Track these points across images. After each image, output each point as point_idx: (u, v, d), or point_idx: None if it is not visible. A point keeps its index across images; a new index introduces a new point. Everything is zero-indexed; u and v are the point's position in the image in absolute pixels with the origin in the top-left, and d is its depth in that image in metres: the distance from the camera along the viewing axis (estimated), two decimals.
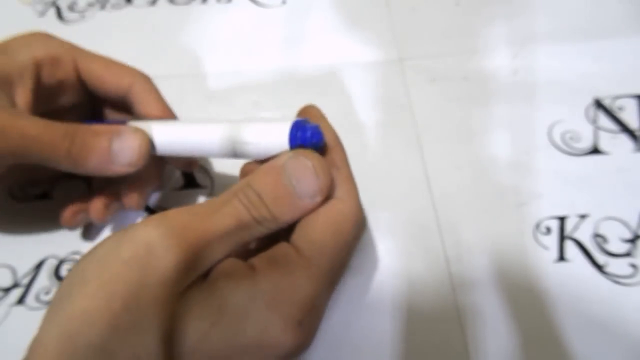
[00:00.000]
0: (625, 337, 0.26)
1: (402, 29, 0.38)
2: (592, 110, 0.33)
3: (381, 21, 0.39)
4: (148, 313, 0.17)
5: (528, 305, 0.27)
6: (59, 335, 0.17)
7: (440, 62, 0.36)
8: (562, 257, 0.28)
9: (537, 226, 0.29)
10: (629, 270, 0.28)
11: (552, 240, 0.29)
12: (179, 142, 0.24)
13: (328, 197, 0.22)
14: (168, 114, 0.27)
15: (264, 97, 0.35)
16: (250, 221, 0.20)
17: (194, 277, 0.19)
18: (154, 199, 0.31)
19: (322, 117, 0.24)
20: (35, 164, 0.23)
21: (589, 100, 0.34)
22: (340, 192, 0.22)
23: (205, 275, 0.20)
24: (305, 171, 0.20)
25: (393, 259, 0.28)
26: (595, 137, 0.32)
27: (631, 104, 0.34)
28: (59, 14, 0.40)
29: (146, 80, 0.27)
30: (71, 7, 0.40)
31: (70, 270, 0.19)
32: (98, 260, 0.18)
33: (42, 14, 0.40)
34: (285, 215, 0.20)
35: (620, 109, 0.33)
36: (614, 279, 0.27)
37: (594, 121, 0.33)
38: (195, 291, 0.19)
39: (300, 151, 0.21)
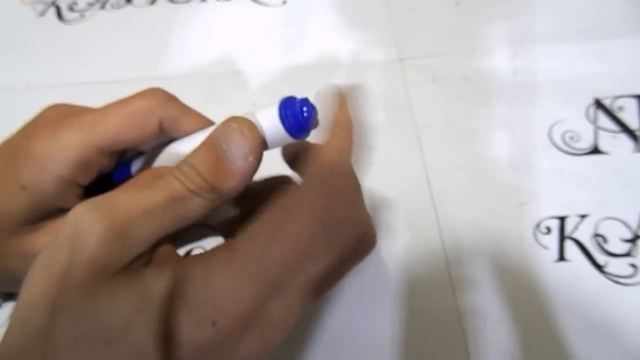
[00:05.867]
0: (625, 337, 0.26)
1: (402, 29, 0.38)
2: (592, 110, 0.33)
3: (381, 21, 0.39)
4: (79, 294, 0.17)
5: (528, 305, 0.27)
6: (15, 324, 0.18)
7: (440, 61, 0.36)
8: (562, 257, 0.28)
9: (537, 226, 0.29)
10: (629, 270, 0.28)
11: (552, 240, 0.29)
12: (171, 157, 0.24)
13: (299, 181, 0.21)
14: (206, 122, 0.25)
15: (264, 97, 0.35)
16: (185, 193, 0.19)
17: (129, 256, 0.18)
18: None
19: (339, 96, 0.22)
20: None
21: (589, 100, 0.34)
22: (306, 175, 0.20)
23: (149, 259, 0.19)
24: (232, 133, 0.20)
25: (393, 259, 0.28)
26: (595, 137, 0.32)
27: (631, 104, 0.34)
28: (59, 14, 0.40)
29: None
30: (71, 7, 0.40)
31: None
32: (44, 251, 0.19)
33: (42, 13, 0.40)
34: (223, 183, 0.20)
35: (620, 109, 0.33)
36: (614, 279, 0.27)
37: (594, 121, 0.33)
38: (124, 274, 0.18)
39: (230, 117, 0.20)
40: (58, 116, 0.24)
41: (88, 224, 0.18)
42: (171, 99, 0.24)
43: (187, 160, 0.20)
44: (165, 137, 0.25)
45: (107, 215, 0.18)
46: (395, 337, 0.26)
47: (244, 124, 0.20)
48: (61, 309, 0.17)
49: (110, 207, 0.18)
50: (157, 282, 0.18)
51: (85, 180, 0.24)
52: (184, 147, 0.24)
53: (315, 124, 0.21)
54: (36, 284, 0.18)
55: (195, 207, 0.20)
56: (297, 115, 0.20)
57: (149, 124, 0.23)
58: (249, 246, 0.19)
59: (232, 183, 0.20)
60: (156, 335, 0.18)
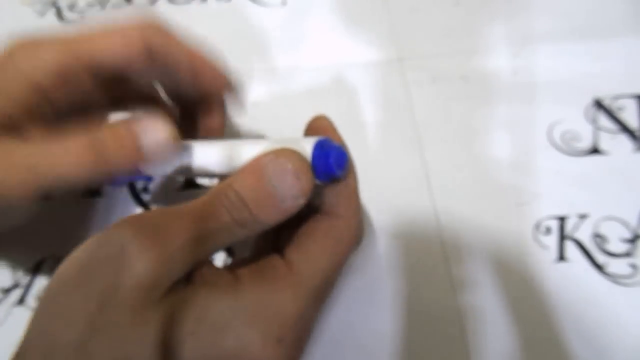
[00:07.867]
0: (624, 337, 0.26)
1: (402, 29, 0.38)
2: (592, 110, 0.33)
3: (381, 21, 0.39)
4: (123, 316, 0.17)
5: (528, 305, 0.27)
6: (40, 335, 0.17)
7: (440, 62, 0.36)
8: (562, 257, 0.28)
9: (537, 226, 0.29)
10: (629, 270, 0.28)
11: (552, 240, 0.29)
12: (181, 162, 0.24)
13: (329, 211, 0.21)
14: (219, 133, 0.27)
15: (264, 97, 0.35)
16: (232, 224, 0.20)
17: (173, 280, 0.18)
18: (149, 198, 0.31)
19: (333, 129, 0.23)
20: None
21: (589, 100, 0.34)
22: (343, 208, 0.21)
23: (188, 278, 0.19)
24: (286, 173, 0.19)
25: (393, 259, 0.28)
26: (595, 137, 0.32)
27: (631, 104, 0.34)
28: (59, 14, 0.40)
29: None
30: (71, 7, 0.40)
31: (55, 271, 0.19)
32: (77, 261, 0.18)
33: (42, 14, 0.40)
34: (269, 218, 0.20)
35: (620, 109, 0.33)
36: (614, 279, 0.27)
37: (594, 121, 0.33)
38: (175, 297, 0.18)
39: (281, 152, 0.20)
40: (42, 34, 0.23)
41: (138, 250, 0.17)
42: (163, 26, 0.25)
43: (234, 188, 0.20)
44: (156, 70, 0.25)
45: (158, 243, 0.18)
46: (395, 337, 0.26)
47: (300, 167, 0.19)
48: (104, 327, 0.17)
49: (160, 233, 0.18)
50: (215, 305, 0.18)
51: (60, 98, 0.22)
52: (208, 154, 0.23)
53: (344, 174, 0.21)
54: (68, 298, 0.17)
55: (240, 236, 0.20)
56: (330, 166, 0.20)
57: (136, 45, 0.23)
58: (314, 272, 0.20)
59: (278, 218, 0.20)
60: (210, 357, 0.18)
